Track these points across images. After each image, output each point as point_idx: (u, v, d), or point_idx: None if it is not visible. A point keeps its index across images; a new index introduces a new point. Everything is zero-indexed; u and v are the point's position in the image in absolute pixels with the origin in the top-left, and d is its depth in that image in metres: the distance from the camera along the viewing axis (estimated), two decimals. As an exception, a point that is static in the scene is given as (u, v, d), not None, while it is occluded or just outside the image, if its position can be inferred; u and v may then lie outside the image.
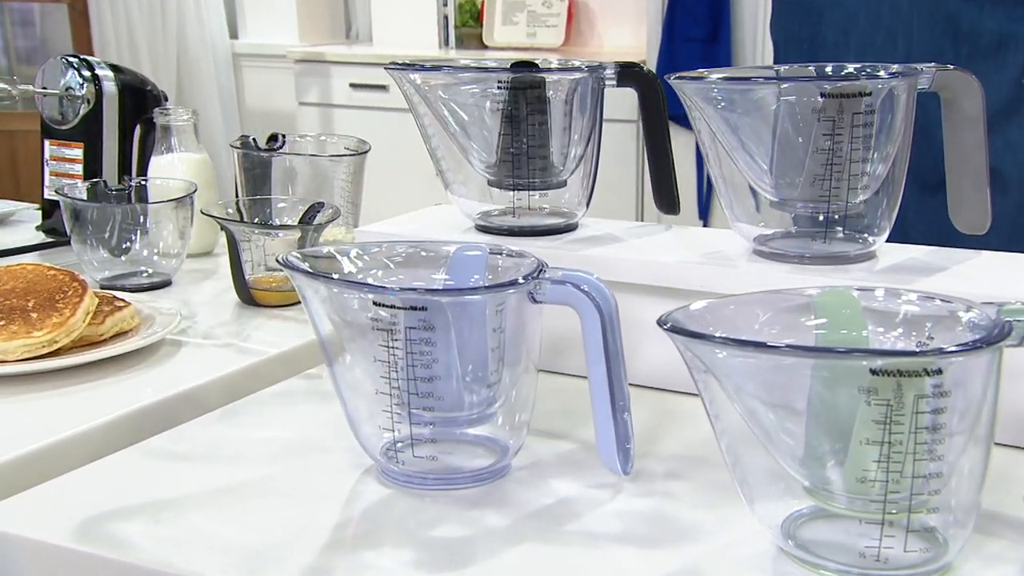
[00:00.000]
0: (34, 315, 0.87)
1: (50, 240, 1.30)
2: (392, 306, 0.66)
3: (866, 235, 0.83)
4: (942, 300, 0.61)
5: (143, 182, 1.19)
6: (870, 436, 0.56)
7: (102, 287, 1.08)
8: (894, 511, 0.57)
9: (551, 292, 0.67)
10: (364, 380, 0.71)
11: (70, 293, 0.90)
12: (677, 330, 0.59)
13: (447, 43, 4.37)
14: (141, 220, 1.12)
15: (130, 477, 0.74)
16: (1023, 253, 0.86)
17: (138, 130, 1.31)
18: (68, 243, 1.16)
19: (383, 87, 4.17)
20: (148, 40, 4.32)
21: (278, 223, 1.10)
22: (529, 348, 0.71)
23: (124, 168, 1.27)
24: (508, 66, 0.91)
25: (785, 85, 0.80)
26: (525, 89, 0.88)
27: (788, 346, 0.60)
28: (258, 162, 1.17)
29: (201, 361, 0.93)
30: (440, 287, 0.72)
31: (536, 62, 0.93)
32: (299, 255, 0.71)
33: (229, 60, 4.59)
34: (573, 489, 0.70)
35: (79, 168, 1.26)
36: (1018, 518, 0.66)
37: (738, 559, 0.62)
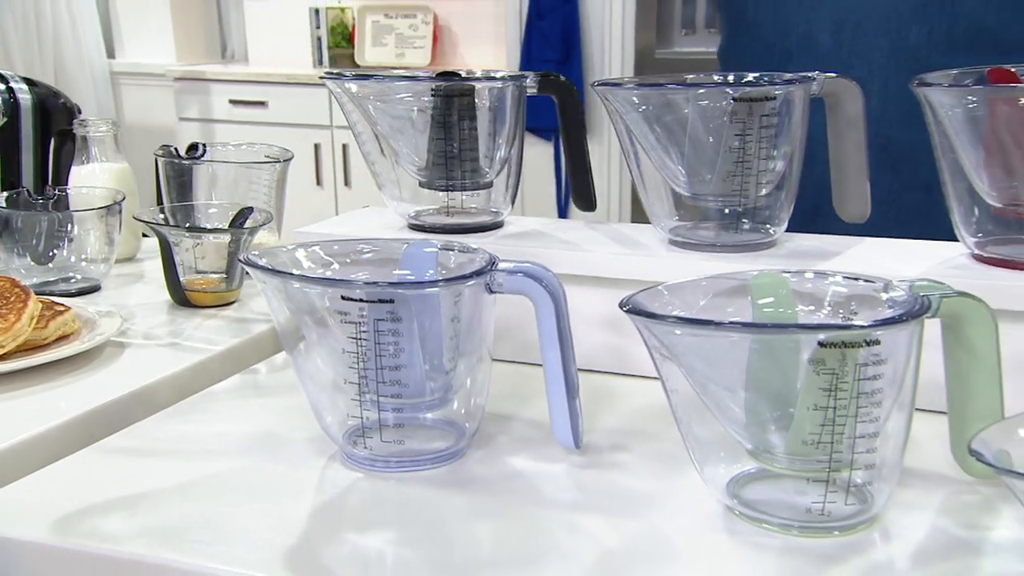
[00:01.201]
0: (-21, 321, 0.81)
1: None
2: (361, 299, 0.64)
3: (768, 225, 0.85)
4: (865, 280, 0.63)
5: (66, 191, 1.12)
6: (817, 402, 0.57)
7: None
8: (837, 469, 0.59)
9: (508, 282, 0.67)
10: (329, 371, 0.68)
11: (12, 299, 0.84)
12: (637, 312, 0.59)
13: (321, 62, 4.30)
14: (69, 228, 1.06)
15: (96, 475, 0.69)
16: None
17: (52, 141, 1.24)
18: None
19: (262, 103, 4.07)
20: (24, 59, 4.09)
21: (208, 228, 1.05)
22: (484, 337, 0.70)
23: (42, 179, 1.20)
24: (434, 75, 0.90)
25: (700, 90, 0.81)
26: (456, 97, 0.87)
27: (739, 323, 0.61)
28: (182, 170, 1.12)
29: (146, 361, 0.88)
30: (407, 280, 0.70)
31: (460, 72, 0.92)
32: (258, 254, 0.68)
33: (107, 78, 4.41)
34: (529, 465, 0.70)
35: (-3, 178, 1.19)
36: (926, 470, 0.68)
37: (693, 520, 0.62)
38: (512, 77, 0.89)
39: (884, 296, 0.62)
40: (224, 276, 1.02)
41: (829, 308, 0.64)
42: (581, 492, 0.66)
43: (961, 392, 0.64)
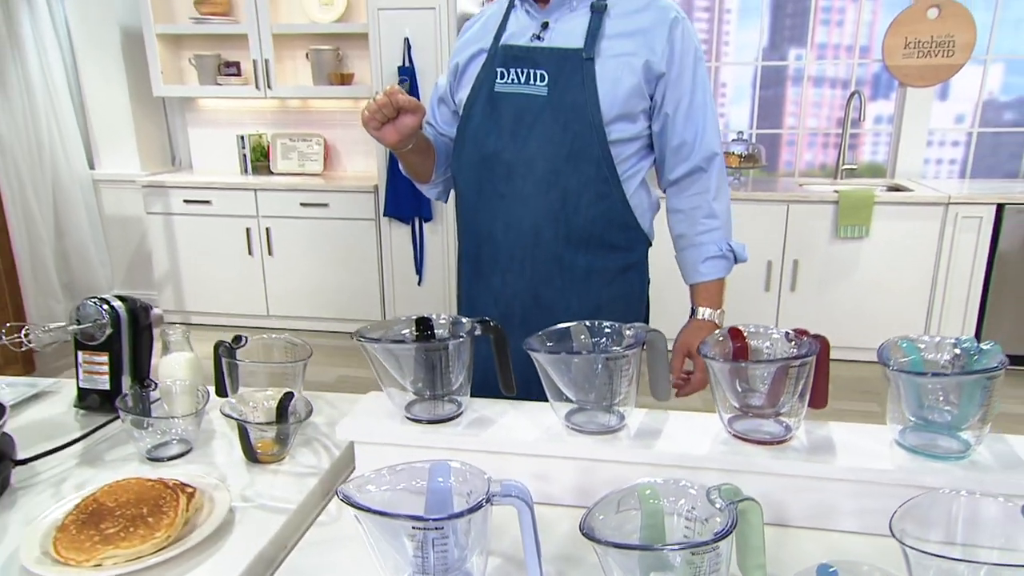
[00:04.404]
0: (151, 519, 0.80)
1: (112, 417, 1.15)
2: (423, 528, 0.71)
3: (623, 412, 0.97)
4: (701, 486, 0.76)
5: (155, 382, 1.10)
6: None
7: (148, 459, 1.00)
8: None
9: (503, 500, 0.75)
10: (398, 556, 0.74)
11: (168, 497, 0.83)
12: (591, 538, 0.68)
13: (247, 171, 4.12)
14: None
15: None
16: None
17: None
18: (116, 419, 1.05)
19: (208, 201, 3.87)
20: (31, 177, 3.68)
21: (255, 411, 1.05)
22: (485, 524, 0.76)
23: (134, 365, 1.16)
24: (416, 335, 0.96)
25: (582, 355, 0.92)
26: (439, 351, 0.94)
27: (646, 546, 0.71)
28: (232, 365, 1.12)
29: (254, 522, 0.87)
30: (449, 513, 0.76)
31: (432, 321, 0.98)
32: (351, 489, 0.73)
33: (90, 185, 4.05)
34: (517, 604, 0.77)
35: (105, 368, 1.14)
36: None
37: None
38: (468, 332, 0.96)
39: (713, 500, 0.74)
40: (277, 442, 1.04)
41: (683, 500, 0.76)
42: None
43: (744, 540, 0.78)
